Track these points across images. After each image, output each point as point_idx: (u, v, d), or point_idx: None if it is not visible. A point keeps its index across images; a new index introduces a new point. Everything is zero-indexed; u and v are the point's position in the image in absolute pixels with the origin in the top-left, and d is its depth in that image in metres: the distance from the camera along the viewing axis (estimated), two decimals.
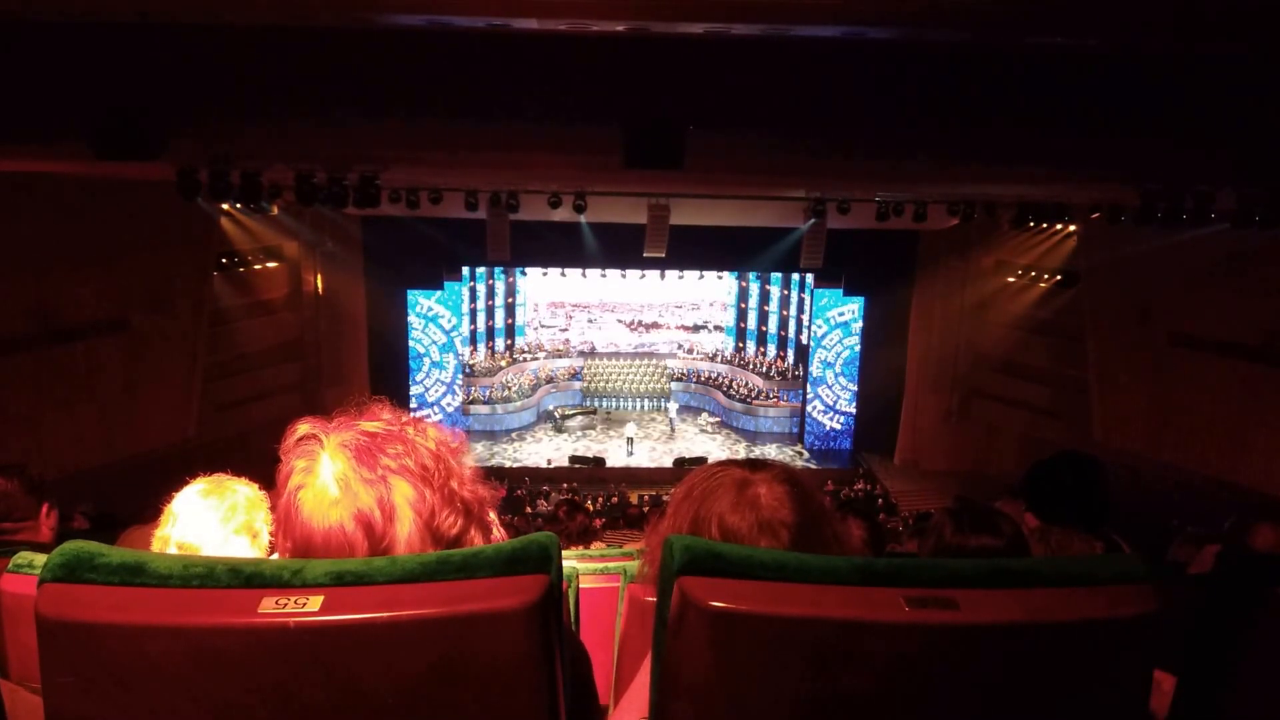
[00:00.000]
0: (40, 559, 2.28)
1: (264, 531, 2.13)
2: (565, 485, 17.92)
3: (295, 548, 1.15)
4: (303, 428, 1.18)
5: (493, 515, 1.26)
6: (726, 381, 22.43)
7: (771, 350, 22.08)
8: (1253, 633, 1.47)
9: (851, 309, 19.38)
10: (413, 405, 18.81)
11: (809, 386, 20.32)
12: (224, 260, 14.79)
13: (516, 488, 17.28)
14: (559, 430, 21.26)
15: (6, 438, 10.61)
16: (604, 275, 19.48)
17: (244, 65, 6.78)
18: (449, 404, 19.89)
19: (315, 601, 0.95)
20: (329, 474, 1.14)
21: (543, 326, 22.96)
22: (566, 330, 23.19)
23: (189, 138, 7.55)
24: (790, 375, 21.28)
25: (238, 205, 13.16)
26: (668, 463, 19.34)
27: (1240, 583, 1.52)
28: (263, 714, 0.96)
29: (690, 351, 23.33)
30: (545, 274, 20.86)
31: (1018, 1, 5.18)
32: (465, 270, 19.73)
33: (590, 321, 23.22)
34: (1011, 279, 16.68)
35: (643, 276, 21.29)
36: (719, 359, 23.01)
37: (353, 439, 1.16)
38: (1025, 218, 12.49)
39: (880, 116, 7.29)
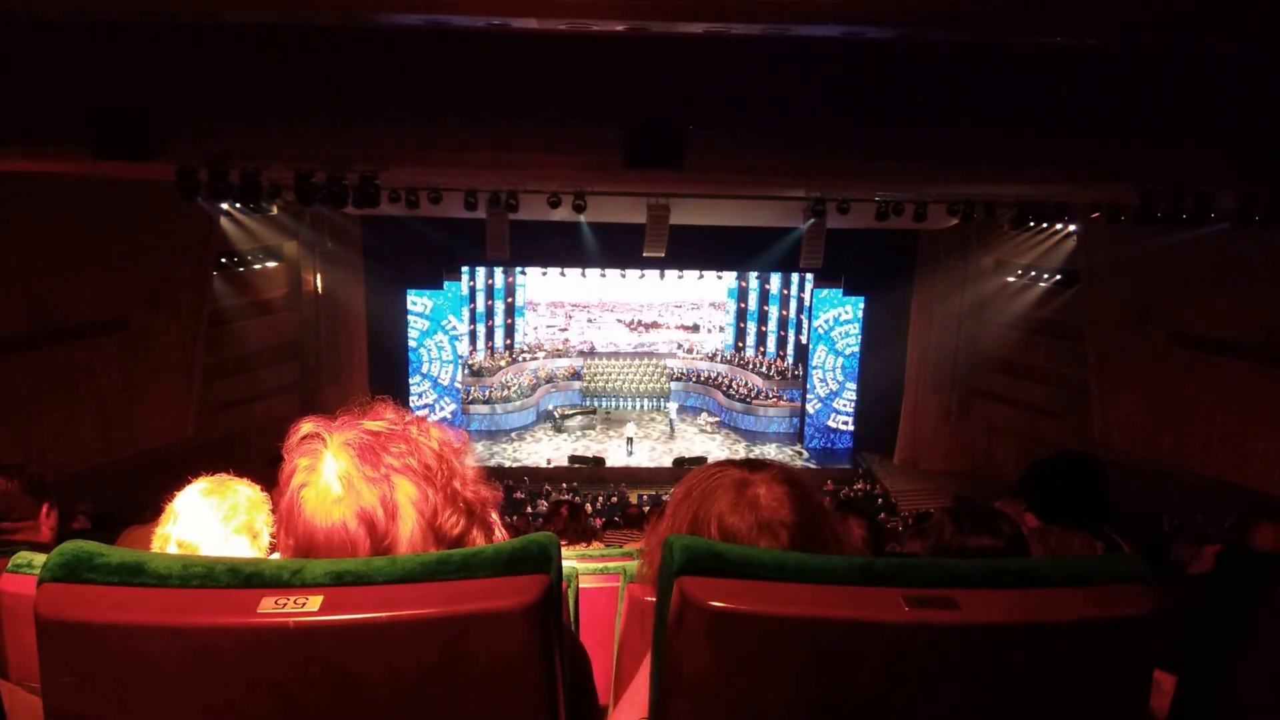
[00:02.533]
0: (39, 559, 2.28)
1: (264, 532, 2.14)
2: (565, 485, 17.92)
3: (298, 545, 1.15)
4: (306, 426, 1.19)
5: (494, 516, 1.26)
6: (726, 381, 22.43)
7: (771, 350, 22.08)
8: (1253, 633, 1.46)
9: (851, 309, 19.38)
10: (412, 405, 18.82)
11: (808, 386, 20.32)
12: (223, 260, 14.80)
13: (516, 488, 17.29)
14: (559, 430, 21.26)
15: (6, 438, 10.61)
16: (604, 275, 19.48)
17: (243, 65, 6.77)
18: (448, 404, 19.90)
19: (315, 601, 0.95)
20: (332, 472, 1.14)
21: (543, 327, 22.97)
22: (566, 330, 23.19)
23: (188, 137, 7.55)
24: (790, 375, 21.28)
25: (237, 205, 13.16)
26: (667, 463, 19.34)
27: (1240, 583, 1.52)
28: (262, 714, 0.96)
29: (690, 351, 23.32)
30: (545, 274, 20.85)
31: (1018, 1, 5.18)
32: (465, 270, 19.74)
33: (590, 321, 23.21)
34: (1011, 279, 16.69)
35: (642, 276, 21.30)
36: (718, 359, 23.01)
37: (356, 438, 1.16)
38: (1025, 218, 12.48)
39: (880, 116, 7.28)
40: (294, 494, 1.15)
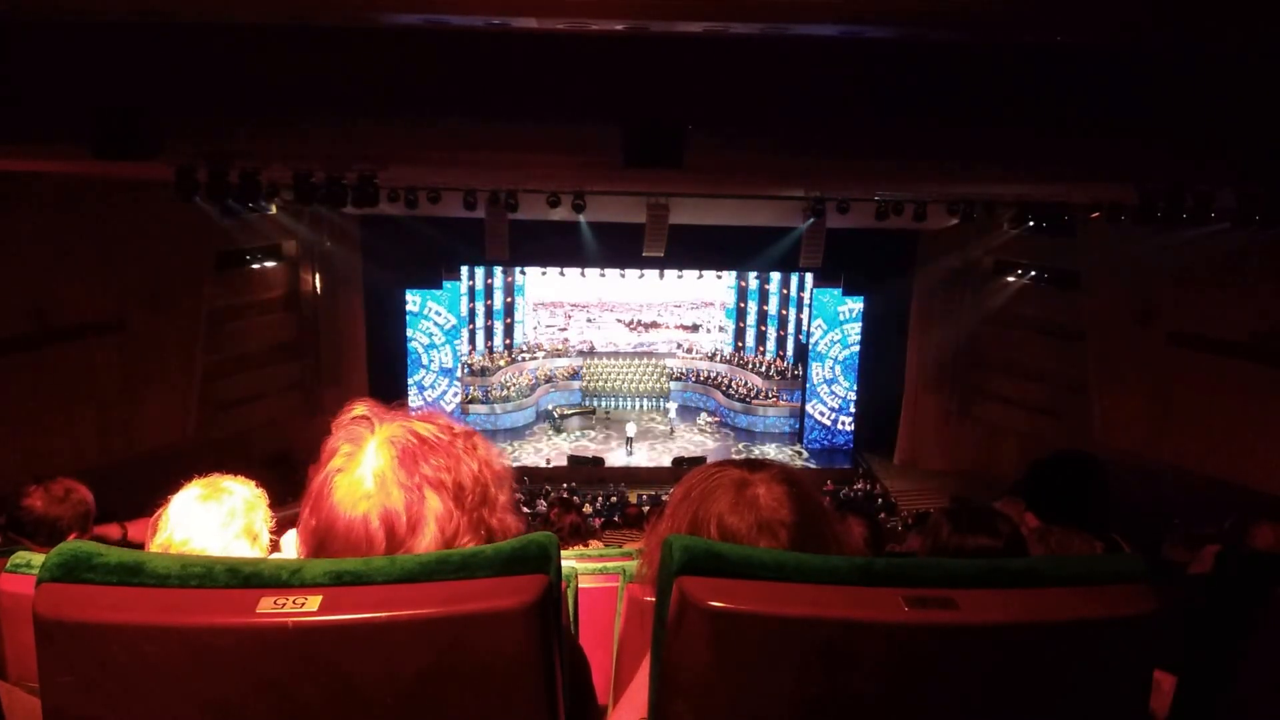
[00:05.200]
0: (38, 559, 2.28)
1: (264, 532, 2.12)
2: (564, 485, 17.93)
3: (318, 526, 1.16)
4: (359, 408, 1.21)
5: None
6: (726, 381, 22.43)
7: (771, 350, 22.08)
8: (1253, 633, 1.46)
9: (851, 308, 19.39)
10: (411, 405, 18.78)
11: (808, 386, 20.32)
12: (222, 260, 14.78)
13: (515, 488, 17.28)
14: (558, 430, 21.25)
15: (5, 438, 10.59)
16: (603, 275, 19.47)
17: (242, 64, 6.77)
18: (448, 404, 19.89)
19: (314, 601, 0.95)
20: (369, 467, 1.16)
21: (542, 326, 22.96)
22: (565, 330, 23.19)
23: (187, 137, 7.54)
24: (789, 375, 21.28)
25: (236, 204, 13.13)
26: (667, 462, 19.34)
27: (1240, 583, 1.52)
28: (261, 714, 0.96)
29: (689, 351, 23.32)
30: (544, 273, 20.83)
31: (1018, 1, 5.18)
32: (464, 269, 19.74)
33: (589, 321, 23.21)
34: (1011, 279, 16.68)
35: (642, 276, 21.29)
36: (718, 358, 23.01)
37: (402, 437, 1.18)
38: (1025, 218, 12.49)
39: (880, 116, 7.27)
40: (329, 475, 1.17)
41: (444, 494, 1.16)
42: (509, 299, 22.17)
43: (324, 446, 1.20)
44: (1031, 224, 12.85)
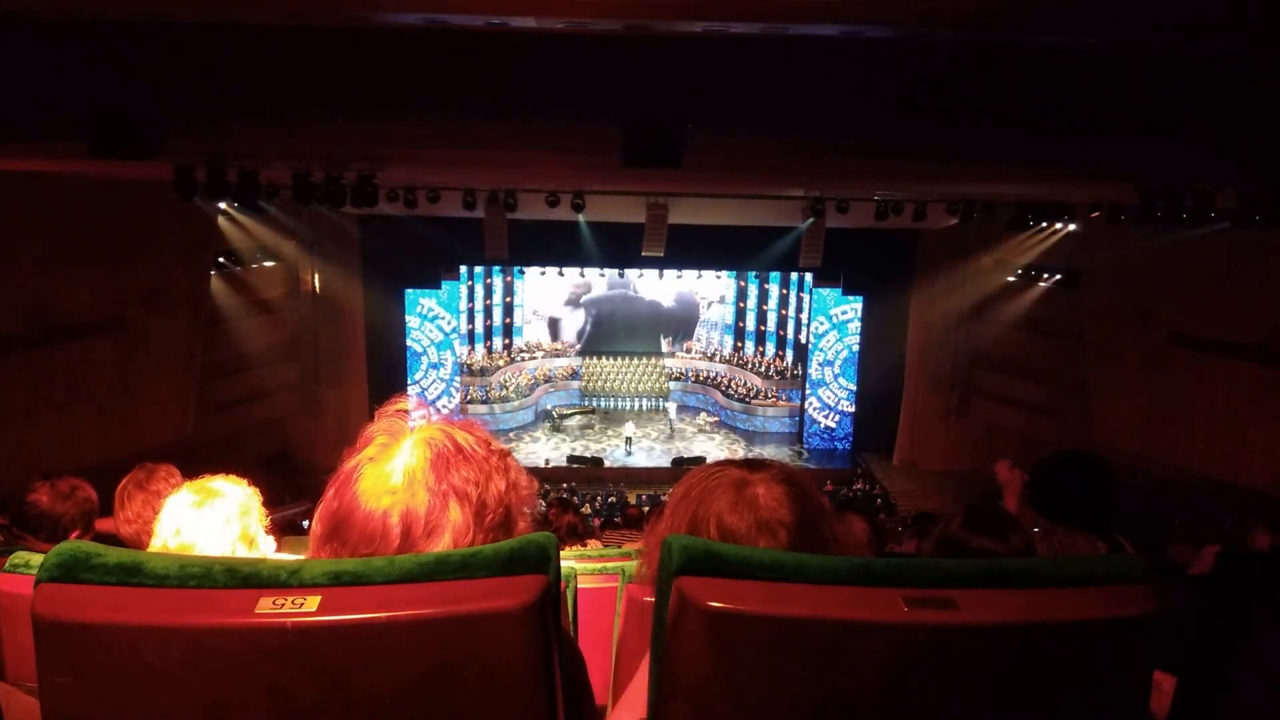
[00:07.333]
0: (37, 559, 2.28)
1: (259, 536, 2.12)
2: (563, 485, 17.92)
3: (339, 510, 1.17)
4: (404, 402, 1.24)
5: None
6: (725, 381, 22.42)
7: (770, 349, 22.07)
8: (1253, 633, 1.46)
9: (851, 308, 19.38)
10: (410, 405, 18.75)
11: (808, 386, 20.31)
12: (221, 260, 14.79)
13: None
14: (557, 430, 21.25)
15: (4, 438, 10.59)
16: (603, 275, 19.45)
17: (241, 63, 6.76)
18: (447, 404, 19.88)
19: (313, 602, 0.95)
20: (401, 463, 1.17)
21: (541, 326, 22.94)
22: (564, 329, 23.18)
23: (185, 136, 7.53)
24: (789, 375, 21.27)
25: (235, 204, 13.15)
26: (666, 462, 19.33)
27: (1240, 583, 1.52)
28: (260, 715, 0.96)
29: (689, 351, 23.31)
30: (543, 273, 20.82)
31: (1018, 1, 5.17)
32: (463, 269, 19.73)
33: (588, 320, 23.20)
34: (1011, 279, 16.68)
35: (641, 276, 21.27)
36: (717, 358, 23.00)
37: (440, 441, 1.18)
38: (1025, 218, 12.49)
39: (880, 116, 7.27)
40: (360, 462, 1.18)
41: (466, 508, 1.16)
42: (508, 299, 22.16)
43: (364, 430, 1.22)
44: (1031, 224, 12.85)
